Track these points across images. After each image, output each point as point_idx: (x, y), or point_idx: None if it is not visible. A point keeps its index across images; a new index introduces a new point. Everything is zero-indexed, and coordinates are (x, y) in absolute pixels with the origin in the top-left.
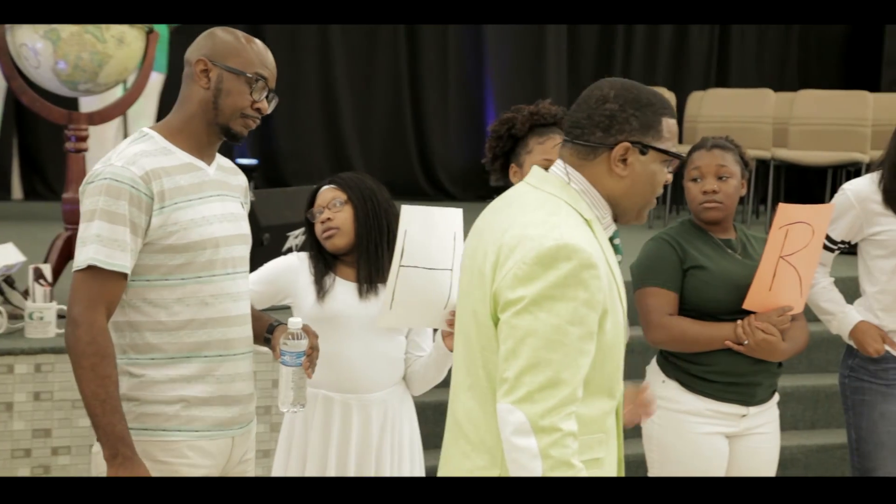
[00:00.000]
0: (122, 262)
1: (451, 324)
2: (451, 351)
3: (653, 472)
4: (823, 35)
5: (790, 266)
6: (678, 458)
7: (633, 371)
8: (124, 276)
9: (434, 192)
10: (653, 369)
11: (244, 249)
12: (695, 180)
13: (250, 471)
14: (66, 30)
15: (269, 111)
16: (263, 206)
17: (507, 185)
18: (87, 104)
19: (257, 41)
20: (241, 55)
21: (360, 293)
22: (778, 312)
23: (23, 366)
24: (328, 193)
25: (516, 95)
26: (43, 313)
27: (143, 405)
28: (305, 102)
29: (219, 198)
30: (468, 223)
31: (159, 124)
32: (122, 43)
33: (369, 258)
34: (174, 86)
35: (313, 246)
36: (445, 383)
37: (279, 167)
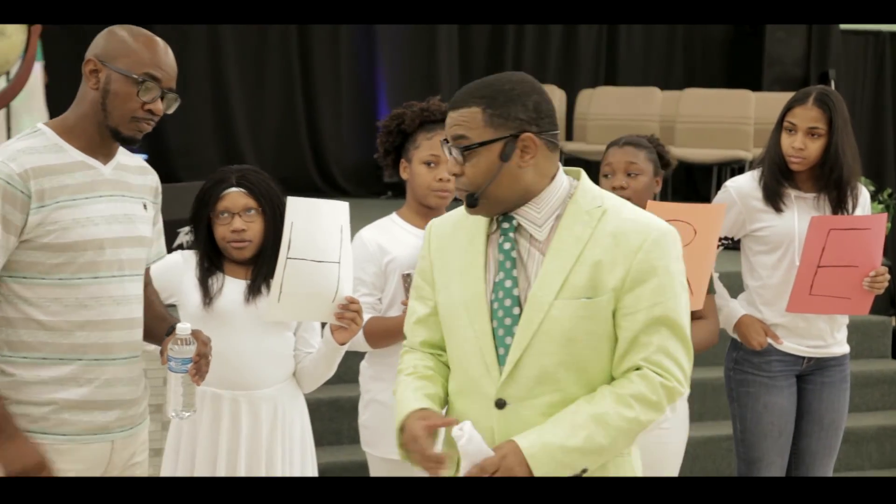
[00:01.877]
0: None
1: (339, 317)
2: (341, 345)
3: None
4: (708, 35)
5: None
6: None
7: None
8: None
9: (327, 188)
10: None
11: (137, 252)
12: (606, 176)
13: (142, 473)
14: None
15: (167, 111)
16: None
17: (399, 180)
18: None
19: (156, 40)
20: (131, 56)
21: (250, 291)
22: None
23: None
24: (239, 199)
25: (409, 93)
26: None
27: (11, 405)
28: (196, 96)
29: (111, 198)
30: (362, 219)
31: (55, 120)
32: (3, 35)
33: (270, 261)
34: (66, 82)
35: (204, 243)
36: (338, 379)
37: (169, 162)
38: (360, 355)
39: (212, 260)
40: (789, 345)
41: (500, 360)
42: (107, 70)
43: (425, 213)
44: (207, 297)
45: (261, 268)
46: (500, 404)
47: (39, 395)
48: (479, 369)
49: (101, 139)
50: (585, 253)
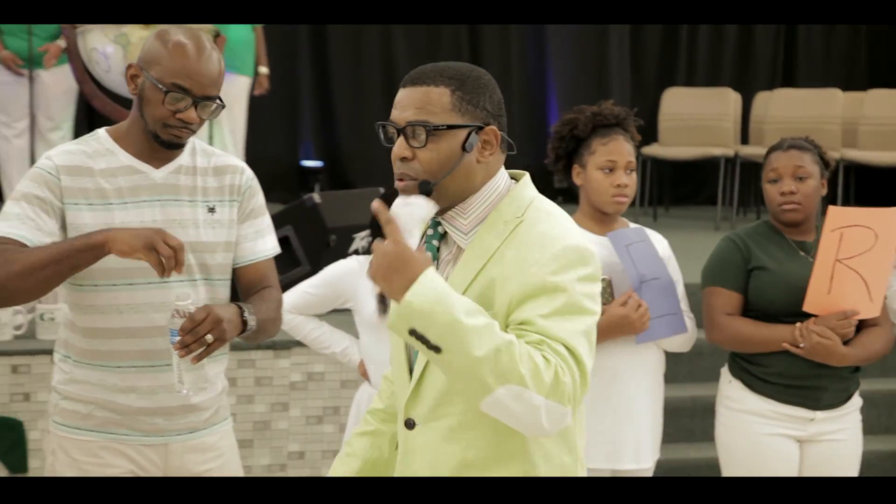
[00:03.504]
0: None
1: None
2: None
3: (724, 474)
4: (894, 32)
5: (851, 270)
6: (742, 459)
7: (707, 372)
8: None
9: None
10: (724, 369)
11: (185, 257)
12: (773, 182)
13: None
14: (136, 34)
15: (206, 118)
16: (329, 208)
17: (570, 186)
18: None
19: (191, 47)
20: (162, 63)
21: None
22: (839, 316)
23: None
24: None
25: (579, 96)
26: (54, 314)
27: (64, 400)
28: (369, 103)
29: (157, 203)
30: None
31: (114, 126)
32: None
33: None
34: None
35: None
36: None
37: (344, 169)
38: None
39: None
40: None
41: (411, 377)
42: (143, 76)
43: (601, 219)
44: (383, 304)
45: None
46: (409, 424)
47: (86, 394)
48: (398, 383)
49: (149, 145)
50: (487, 267)
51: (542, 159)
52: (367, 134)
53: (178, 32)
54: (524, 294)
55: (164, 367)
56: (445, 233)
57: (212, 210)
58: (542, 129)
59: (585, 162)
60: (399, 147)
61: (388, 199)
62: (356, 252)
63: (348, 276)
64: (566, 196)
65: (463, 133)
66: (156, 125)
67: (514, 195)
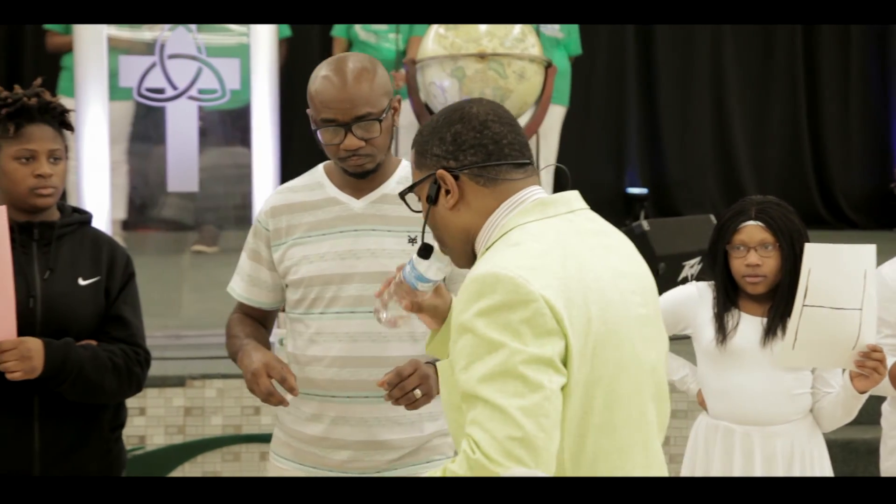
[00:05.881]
0: (233, 284)
1: (860, 365)
2: (861, 393)
3: None
4: None
5: None
6: None
7: None
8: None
9: (834, 221)
10: None
11: (378, 288)
12: None
13: None
14: (472, 67)
15: (371, 138)
16: (657, 235)
17: None
18: None
19: (330, 76)
20: (311, 101)
21: (767, 330)
22: None
23: None
24: (756, 233)
25: None
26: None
27: (278, 429)
28: (696, 130)
29: (355, 233)
30: (877, 254)
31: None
32: (523, 78)
33: (787, 301)
34: (574, 118)
35: (720, 277)
36: (858, 422)
37: (670, 196)
38: (876, 397)
39: (728, 294)
40: None
41: None
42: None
43: None
44: (721, 334)
45: (777, 307)
46: None
47: (286, 424)
48: None
49: (348, 176)
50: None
51: (885, 183)
52: (694, 161)
53: (323, 66)
54: (451, 342)
55: (359, 398)
56: None
57: (412, 241)
58: (886, 151)
59: None
60: None
61: None
62: (684, 280)
63: (689, 302)
64: None
65: (424, 188)
66: (335, 160)
67: (502, 225)
